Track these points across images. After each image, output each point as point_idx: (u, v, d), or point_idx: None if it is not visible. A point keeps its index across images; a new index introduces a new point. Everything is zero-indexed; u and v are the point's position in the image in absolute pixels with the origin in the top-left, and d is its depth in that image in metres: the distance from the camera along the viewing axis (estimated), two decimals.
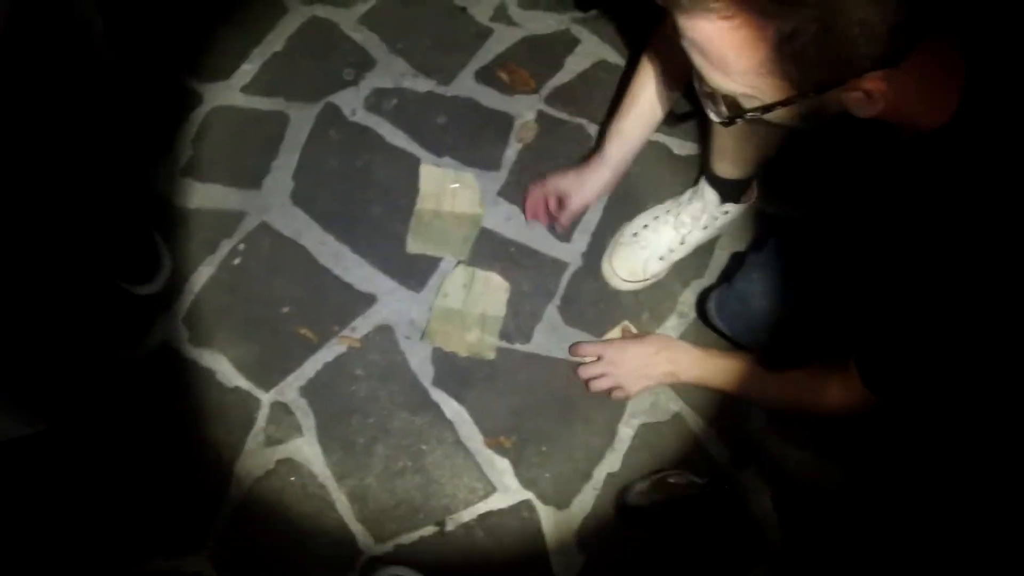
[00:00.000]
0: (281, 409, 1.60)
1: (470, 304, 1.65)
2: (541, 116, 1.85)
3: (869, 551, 1.53)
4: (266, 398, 1.61)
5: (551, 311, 1.68)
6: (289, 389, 1.62)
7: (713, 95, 0.94)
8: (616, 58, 1.92)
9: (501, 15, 1.97)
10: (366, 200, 1.77)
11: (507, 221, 1.76)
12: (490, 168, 1.80)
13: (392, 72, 1.90)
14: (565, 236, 1.75)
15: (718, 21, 0.81)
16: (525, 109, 1.86)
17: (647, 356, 1.54)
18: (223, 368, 1.64)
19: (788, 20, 0.77)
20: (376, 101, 1.86)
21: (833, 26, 0.76)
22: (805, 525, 1.56)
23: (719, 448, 1.60)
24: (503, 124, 1.84)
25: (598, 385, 1.57)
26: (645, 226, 1.70)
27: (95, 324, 1.65)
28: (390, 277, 1.70)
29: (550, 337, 1.66)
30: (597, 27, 1.96)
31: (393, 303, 1.68)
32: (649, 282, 1.70)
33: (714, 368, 1.47)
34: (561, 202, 1.63)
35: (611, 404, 1.61)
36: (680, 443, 1.61)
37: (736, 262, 1.63)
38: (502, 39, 1.94)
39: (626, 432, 1.60)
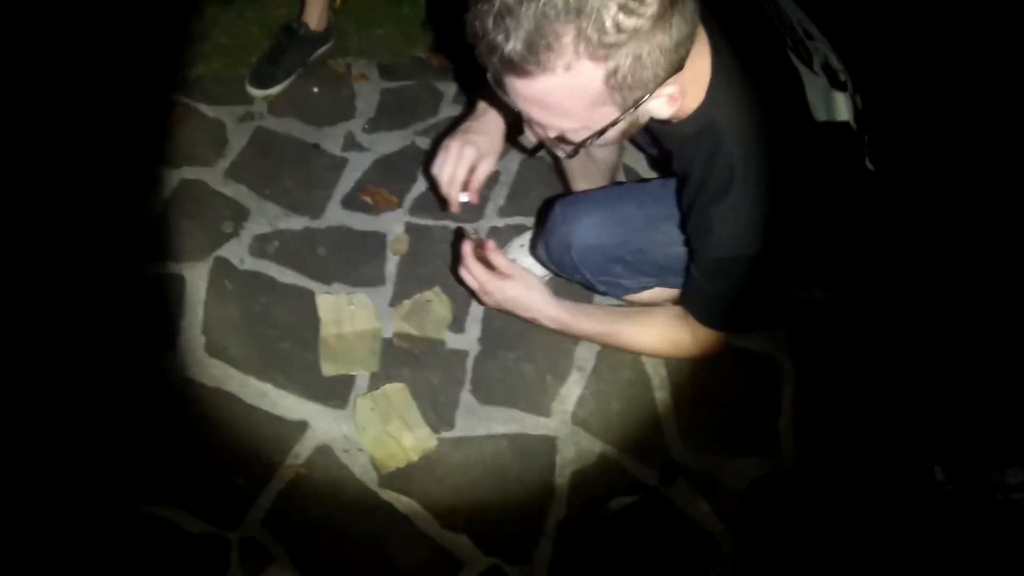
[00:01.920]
0: (250, 543, 1.78)
1: (387, 420, 1.87)
2: (409, 227, 2.11)
3: (815, 536, 1.78)
4: (233, 536, 1.78)
5: (465, 396, 1.93)
6: (252, 522, 1.79)
7: (552, 138, 1.17)
8: None
9: (351, 143, 2.22)
10: (274, 339, 1.97)
11: None
12: (377, 284, 2.04)
13: (267, 216, 2.12)
14: (459, 327, 2.00)
15: (559, 74, 1.01)
16: (394, 224, 2.12)
17: (518, 305, 1.53)
18: (184, 518, 1.79)
19: (612, 60, 1.00)
20: (259, 247, 2.08)
21: (641, 54, 1.00)
22: (748, 519, 1.81)
23: (647, 472, 1.86)
24: (377, 242, 2.09)
25: (467, 284, 1.57)
26: (521, 246, 2.00)
27: None
28: (315, 402, 1.91)
29: (470, 419, 1.90)
30: (438, 134, 2.22)
31: (324, 424, 1.89)
32: (544, 279, 1.95)
33: (575, 320, 1.56)
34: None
35: (540, 462, 1.86)
36: (612, 478, 1.85)
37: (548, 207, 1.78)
38: (357, 165, 2.19)
39: (561, 482, 1.84)
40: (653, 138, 1.47)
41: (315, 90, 2.35)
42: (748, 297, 1.42)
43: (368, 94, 2.34)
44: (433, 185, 1.58)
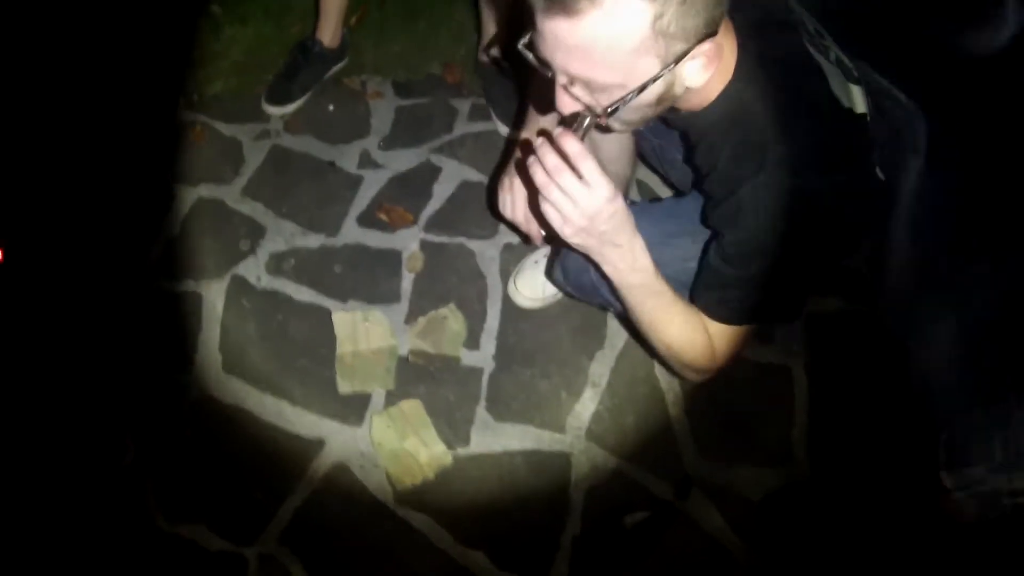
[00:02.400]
0: (268, 560, 1.79)
1: (403, 436, 1.88)
2: (424, 244, 2.13)
3: (829, 547, 1.78)
4: (251, 553, 1.80)
5: (481, 412, 1.94)
6: (270, 539, 1.81)
7: (588, 103, 1.15)
8: (476, 176, 2.21)
9: (367, 161, 2.23)
10: (291, 356, 1.99)
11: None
12: (392, 301, 2.05)
13: (283, 234, 2.13)
14: (474, 343, 2.01)
15: (607, 8, 0.98)
16: (409, 241, 2.13)
17: (616, 221, 1.20)
18: (203, 535, 1.81)
19: (659, 1, 1.00)
20: (276, 264, 2.09)
21: (685, 1, 1.01)
22: (762, 531, 1.82)
23: (661, 486, 1.87)
24: (393, 260, 2.11)
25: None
26: (536, 262, 2.00)
27: None
28: (331, 419, 1.93)
29: (485, 435, 1.92)
30: (453, 151, 2.25)
31: (341, 441, 1.90)
32: (549, 301, 2.00)
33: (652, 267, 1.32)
34: None
35: (555, 478, 1.87)
36: (626, 493, 1.86)
37: None
38: (373, 183, 2.21)
39: (576, 498, 1.85)
40: (676, 135, 1.46)
41: (331, 107, 2.37)
42: (768, 287, 1.34)
43: (383, 111, 2.36)
44: (509, 225, 1.52)
